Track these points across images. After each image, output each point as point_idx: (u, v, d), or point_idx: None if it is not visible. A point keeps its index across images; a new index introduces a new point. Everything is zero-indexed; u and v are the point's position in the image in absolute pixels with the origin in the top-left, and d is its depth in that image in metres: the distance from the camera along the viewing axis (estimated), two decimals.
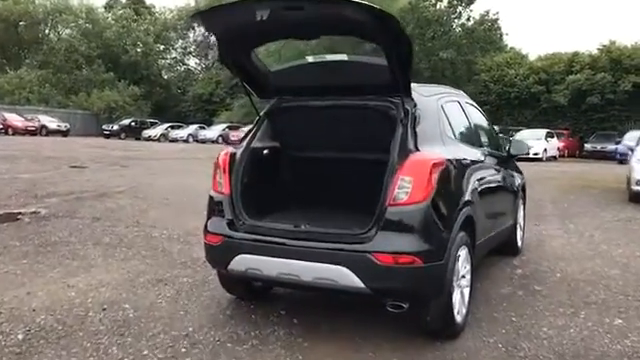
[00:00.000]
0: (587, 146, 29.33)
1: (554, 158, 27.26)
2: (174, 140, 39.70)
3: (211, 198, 4.01)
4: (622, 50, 32.56)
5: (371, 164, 4.11)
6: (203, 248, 4.10)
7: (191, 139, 40.00)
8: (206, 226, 3.98)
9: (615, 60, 32.21)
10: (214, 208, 3.98)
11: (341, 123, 4.20)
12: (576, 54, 34.39)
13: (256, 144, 4.18)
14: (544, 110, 33.83)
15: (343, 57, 3.95)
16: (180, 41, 58.26)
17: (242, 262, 3.68)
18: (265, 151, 4.32)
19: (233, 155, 4.04)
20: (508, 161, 5.56)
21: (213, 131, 40.61)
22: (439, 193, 3.47)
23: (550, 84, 33.66)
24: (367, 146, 4.20)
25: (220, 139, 38.33)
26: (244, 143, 4.15)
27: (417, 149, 3.57)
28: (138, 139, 39.67)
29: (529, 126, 30.96)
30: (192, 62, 59.85)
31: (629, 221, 8.37)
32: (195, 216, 8.55)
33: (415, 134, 3.65)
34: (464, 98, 5.09)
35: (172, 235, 6.87)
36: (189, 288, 4.75)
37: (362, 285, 3.33)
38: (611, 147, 26.01)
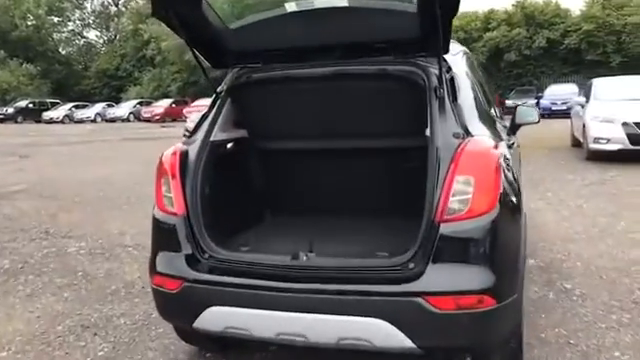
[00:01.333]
0: (508, 102, 29.69)
1: None
2: (80, 121, 36.70)
3: (156, 222, 2.74)
4: (535, 6, 32.99)
5: (387, 154, 3.00)
6: (151, 292, 2.84)
7: (99, 119, 37.21)
8: (153, 264, 2.71)
9: (529, 16, 32.70)
10: (163, 237, 2.71)
11: (341, 99, 3.02)
12: (492, 11, 34.44)
13: (217, 135, 2.91)
14: None
15: (342, 2, 2.72)
16: (77, 12, 53.82)
17: (217, 318, 2.47)
18: (230, 145, 3.06)
19: (185, 154, 2.77)
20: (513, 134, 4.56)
21: (123, 108, 37.99)
22: (505, 197, 2.39)
23: (469, 42, 33.68)
24: (380, 130, 3.09)
25: (132, 117, 35.85)
26: (199, 135, 2.88)
27: (469, 133, 2.47)
28: (38, 122, 36.53)
29: None
30: (92, 35, 55.84)
31: (602, 184, 7.83)
32: (118, 215, 7.27)
33: (460, 111, 2.57)
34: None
35: (94, 248, 5.47)
36: (129, 337, 3.44)
37: (410, 344, 2.26)
38: (531, 102, 26.38)
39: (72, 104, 39.90)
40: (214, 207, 2.74)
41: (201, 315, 2.47)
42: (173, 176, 2.67)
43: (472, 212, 2.25)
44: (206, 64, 3.05)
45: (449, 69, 2.68)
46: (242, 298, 2.41)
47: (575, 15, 32.64)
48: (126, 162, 12.36)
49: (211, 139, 2.84)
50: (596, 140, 9.59)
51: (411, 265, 2.28)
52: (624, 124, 9.28)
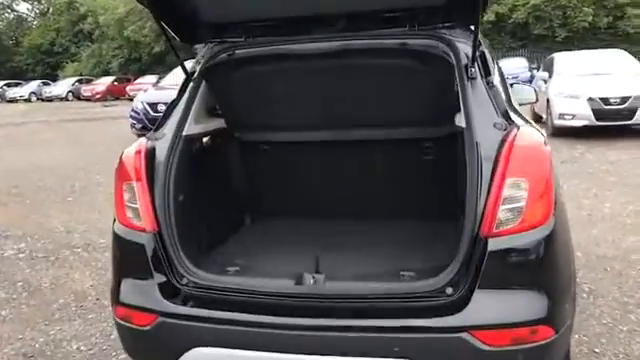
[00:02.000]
0: None
1: None
2: (13, 100, 34.54)
3: (118, 240, 2.18)
4: None
5: (401, 147, 2.63)
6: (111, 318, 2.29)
7: (34, 98, 34.98)
8: (116, 292, 2.15)
9: None
10: (128, 259, 2.17)
11: (344, 81, 2.50)
12: None
13: (191, 128, 2.35)
14: None
15: None
16: None
17: None
18: (207, 139, 2.51)
19: (151, 153, 2.20)
20: None
21: (61, 87, 35.83)
22: (557, 204, 1.95)
23: None
24: (391, 118, 2.62)
25: (70, 95, 33.94)
26: (167, 128, 2.30)
27: (511, 123, 2.02)
28: None
29: None
30: (23, 7, 52.46)
31: (575, 162, 7.66)
32: (62, 208, 6.49)
33: (497, 94, 2.13)
34: None
35: (35, 250, 4.80)
36: None
37: None
38: None
39: (3, 82, 37.47)
40: (191, 218, 2.21)
41: (182, 358, 1.95)
42: (139, 181, 2.10)
43: (525, 223, 1.81)
44: (176, 40, 2.46)
45: (480, 43, 2.22)
46: (234, 337, 1.90)
47: None
48: (67, 146, 11.42)
49: (184, 133, 2.28)
50: (561, 116, 9.43)
51: (449, 290, 1.83)
52: (589, 99, 9.14)
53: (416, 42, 2.23)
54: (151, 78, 26.35)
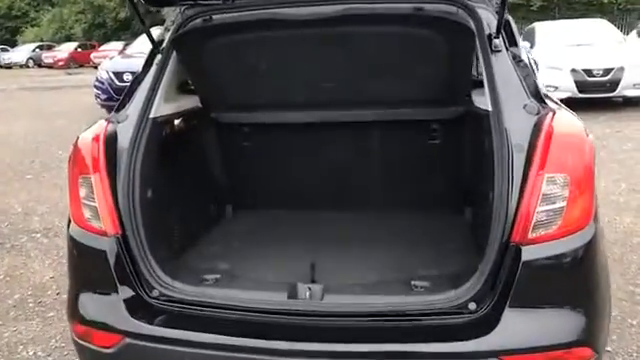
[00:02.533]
0: None
1: None
2: None
3: (75, 245, 1.83)
4: None
5: (405, 129, 2.43)
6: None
7: None
8: (74, 306, 1.82)
9: None
10: (87, 268, 1.84)
11: (342, 53, 2.14)
12: None
13: (160, 109, 1.99)
14: None
15: None
16: None
17: None
18: (179, 121, 2.14)
19: (113, 139, 1.84)
20: None
21: (20, 53, 34.37)
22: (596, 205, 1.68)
23: None
24: (396, 96, 2.29)
25: (31, 62, 32.55)
26: (132, 109, 1.95)
27: (545, 105, 1.73)
28: None
29: None
30: None
31: None
32: (20, 187, 5.82)
33: (526, 71, 1.86)
34: None
35: None
36: None
37: None
38: None
39: None
40: (161, 216, 1.89)
41: None
42: (97, 173, 1.76)
43: (565, 227, 1.53)
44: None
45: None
46: None
47: None
48: (27, 117, 10.76)
49: (152, 115, 1.92)
50: (544, 88, 9.22)
51: (472, 305, 1.55)
52: (572, 71, 8.93)
53: (433, 7, 1.89)
54: (117, 45, 25.22)
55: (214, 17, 2.04)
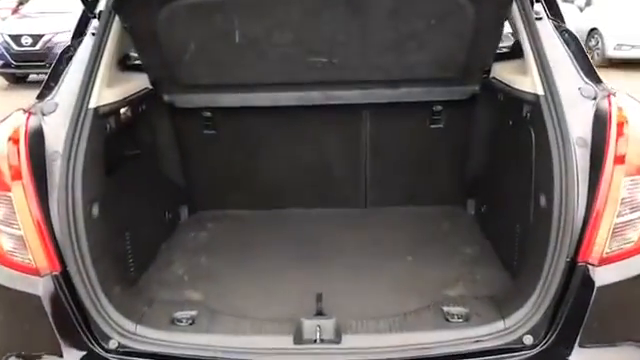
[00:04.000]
0: None
1: None
2: None
3: None
4: None
5: (415, 111, 2.01)
6: None
7: None
8: None
9: None
10: (14, 323, 1.35)
11: (331, 12, 1.66)
12: None
13: (103, 97, 1.47)
14: None
15: None
16: None
17: None
18: (125, 110, 1.62)
19: (38, 138, 1.35)
20: None
21: None
22: None
23: None
24: (402, 72, 1.88)
25: None
26: (63, 96, 1.46)
27: (601, 87, 1.46)
28: None
29: None
30: None
31: None
32: None
33: (576, 47, 1.57)
34: None
35: None
36: None
37: None
38: None
39: None
40: (111, 239, 1.41)
41: None
42: (20, 188, 1.26)
43: None
44: None
45: None
46: None
47: None
48: None
49: (92, 105, 1.42)
50: None
51: (527, 340, 1.24)
52: None
53: None
54: (8, 2, 22.71)
55: None
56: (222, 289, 1.62)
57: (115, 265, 1.41)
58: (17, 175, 1.28)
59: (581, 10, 9.86)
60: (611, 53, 8.72)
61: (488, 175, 1.92)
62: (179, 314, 1.42)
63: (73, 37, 1.65)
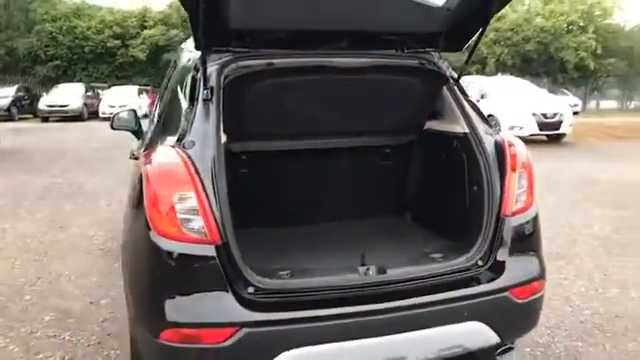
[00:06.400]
0: None
1: (145, 116, 26.44)
2: None
3: (168, 255, 2.03)
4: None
5: (380, 152, 3.20)
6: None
7: None
8: (160, 316, 2.01)
9: (185, 18, 33.29)
10: (189, 275, 2.05)
11: (344, 94, 2.78)
12: (147, 9, 34.25)
13: (223, 138, 2.28)
14: (122, 65, 33.04)
15: None
16: None
17: None
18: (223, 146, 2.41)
19: (194, 161, 2.12)
20: None
21: None
22: None
23: (126, 38, 32.77)
24: (381, 126, 3.02)
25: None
26: (197, 136, 2.20)
27: (493, 129, 2.62)
28: None
29: (105, 81, 30.72)
30: None
31: None
32: None
33: (477, 106, 2.75)
34: None
35: None
36: None
37: (496, 339, 2.24)
38: None
39: None
40: (236, 226, 2.20)
41: None
42: (196, 192, 2.03)
43: (526, 205, 2.38)
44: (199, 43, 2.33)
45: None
46: (327, 333, 2.01)
47: None
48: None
49: (222, 141, 2.25)
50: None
51: (480, 262, 2.27)
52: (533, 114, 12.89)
53: (427, 60, 2.66)
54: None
55: (275, 62, 2.44)
56: (296, 262, 2.40)
57: (243, 246, 2.11)
58: (194, 183, 2.02)
59: (478, 102, 13.30)
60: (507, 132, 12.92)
61: (424, 191, 3.00)
62: (280, 273, 2.22)
63: (190, 102, 2.39)
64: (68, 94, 24.41)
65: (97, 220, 6.18)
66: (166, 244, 2.01)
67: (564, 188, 7.35)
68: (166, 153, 2.19)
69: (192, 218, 2.02)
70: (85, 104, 24.71)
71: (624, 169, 9.86)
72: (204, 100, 2.28)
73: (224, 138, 2.30)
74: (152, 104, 28.99)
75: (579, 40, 31.73)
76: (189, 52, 2.93)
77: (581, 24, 32.07)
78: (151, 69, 32.65)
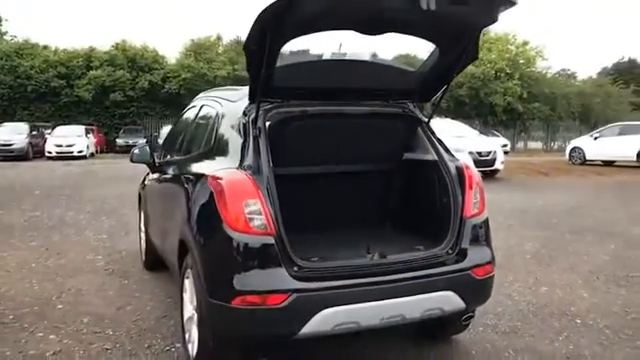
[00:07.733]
0: (119, 141, 29.37)
1: (92, 155, 26.70)
2: None
3: (237, 243, 2.88)
4: (135, 49, 34.39)
5: (378, 175, 4.03)
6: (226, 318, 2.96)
7: None
8: (229, 287, 2.85)
9: (130, 58, 33.89)
10: (253, 256, 2.89)
11: (349, 132, 3.70)
12: (93, 49, 34.34)
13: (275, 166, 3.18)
14: (66, 105, 32.88)
15: (364, 57, 3.50)
16: None
17: (329, 319, 2.85)
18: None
19: (250, 177, 2.99)
20: None
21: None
22: None
23: (71, 78, 32.84)
24: (374, 156, 3.93)
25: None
26: (252, 162, 3.07)
27: (453, 156, 3.57)
28: None
29: (49, 121, 30.53)
30: None
31: None
32: None
33: (442, 141, 3.67)
34: None
35: None
36: None
37: (463, 305, 3.17)
38: (142, 141, 21.19)
39: None
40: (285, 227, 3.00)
41: (311, 320, 2.81)
42: (259, 199, 2.88)
43: (480, 210, 3.36)
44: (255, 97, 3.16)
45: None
46: (349, 296, 2.87)
47: (172, 63, 35.17)
48: None
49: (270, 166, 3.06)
50: None
51: (449, 250, 3.20)
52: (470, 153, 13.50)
53: (407, 108, 3.64)
54: None
55: (308, 109, 3.33)
56: (320, 253, 3.16)
57: (291, 240, 2.91)
58: (258, 193, 2.86)
59: None
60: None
61: (401, 205, 3.93)
62: (311, 258, 3.00)
63: (245, 137, 3.18)
64: (13, 132, 24.05)
65: (90, 247, 6.75)
66: (237, 236, 2.86)
67: (501, 215, 8.48)
68: (234, 173, 3.05)
69: (256, 217, 2.87)
70: (30, 143, 24.31)
71: (548, 199, 11.36)
72: (254, 137, 3.14)
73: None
74: (99, 143, 30.06)
75: (506, 86, 34.43)
76: (214, 101, 4.01)
77: (508, 71, 34.83)
78: (96, 109, 32.96)
